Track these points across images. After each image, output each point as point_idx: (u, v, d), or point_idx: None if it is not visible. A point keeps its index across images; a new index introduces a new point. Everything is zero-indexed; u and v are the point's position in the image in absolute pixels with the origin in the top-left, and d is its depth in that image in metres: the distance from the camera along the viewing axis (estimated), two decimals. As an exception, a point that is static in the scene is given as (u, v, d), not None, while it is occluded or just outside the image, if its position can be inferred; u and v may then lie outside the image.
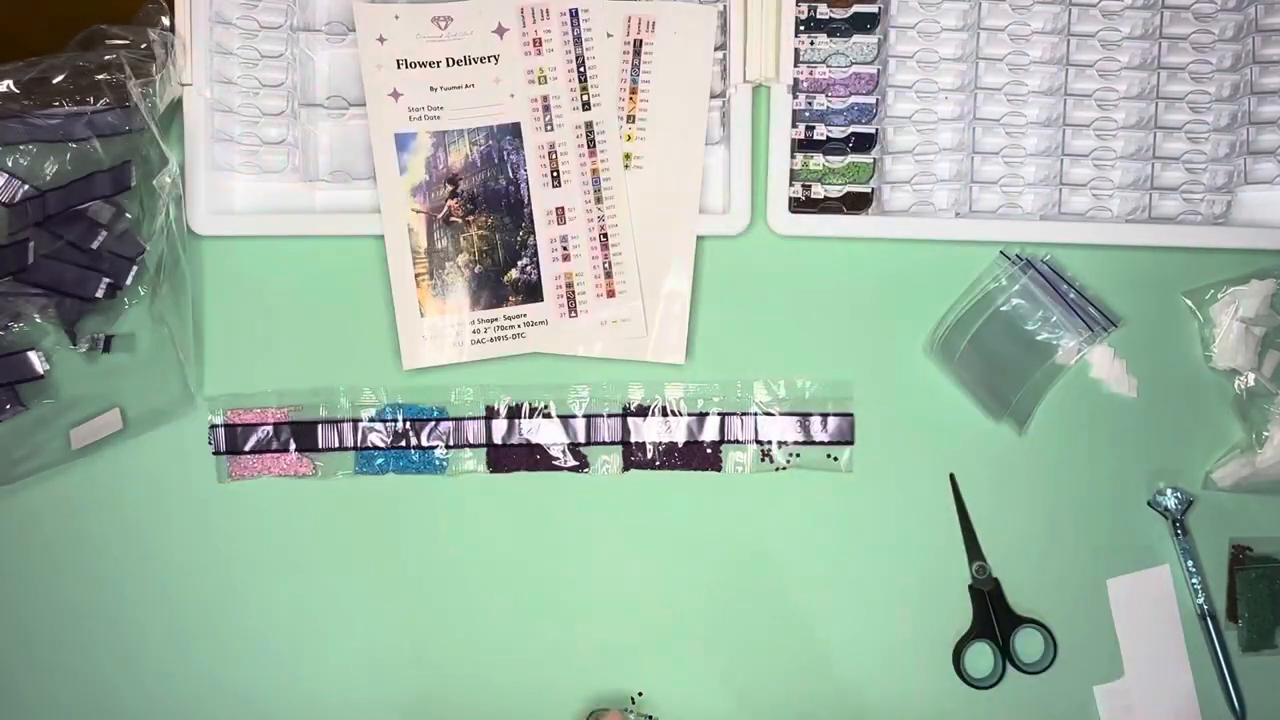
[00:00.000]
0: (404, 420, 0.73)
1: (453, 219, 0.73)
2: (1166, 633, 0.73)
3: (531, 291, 0.73)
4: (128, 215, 0.72)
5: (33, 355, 0.71)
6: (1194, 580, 0.73)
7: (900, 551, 0.74)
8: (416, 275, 0.73)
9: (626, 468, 0.73)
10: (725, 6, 0.74)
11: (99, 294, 0.70)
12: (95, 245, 0.70)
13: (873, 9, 0.74)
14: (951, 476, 0.74)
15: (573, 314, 0.73)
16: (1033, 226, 0.74)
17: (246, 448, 0.73)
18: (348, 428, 0.73)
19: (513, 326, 0.73)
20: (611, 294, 0.73)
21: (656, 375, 0.74)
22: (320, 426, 0.73)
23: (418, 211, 0.73)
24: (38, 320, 0.72)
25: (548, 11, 0.73)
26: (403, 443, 0.73)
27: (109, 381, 0.73)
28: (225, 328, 0.75)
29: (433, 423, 0.73)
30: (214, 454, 0.73)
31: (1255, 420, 0.73)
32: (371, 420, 0.73)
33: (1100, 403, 0.75)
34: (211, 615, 0.74)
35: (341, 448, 0.73)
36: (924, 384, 0.75)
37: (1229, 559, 0.74)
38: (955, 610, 0.73)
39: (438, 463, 0.73)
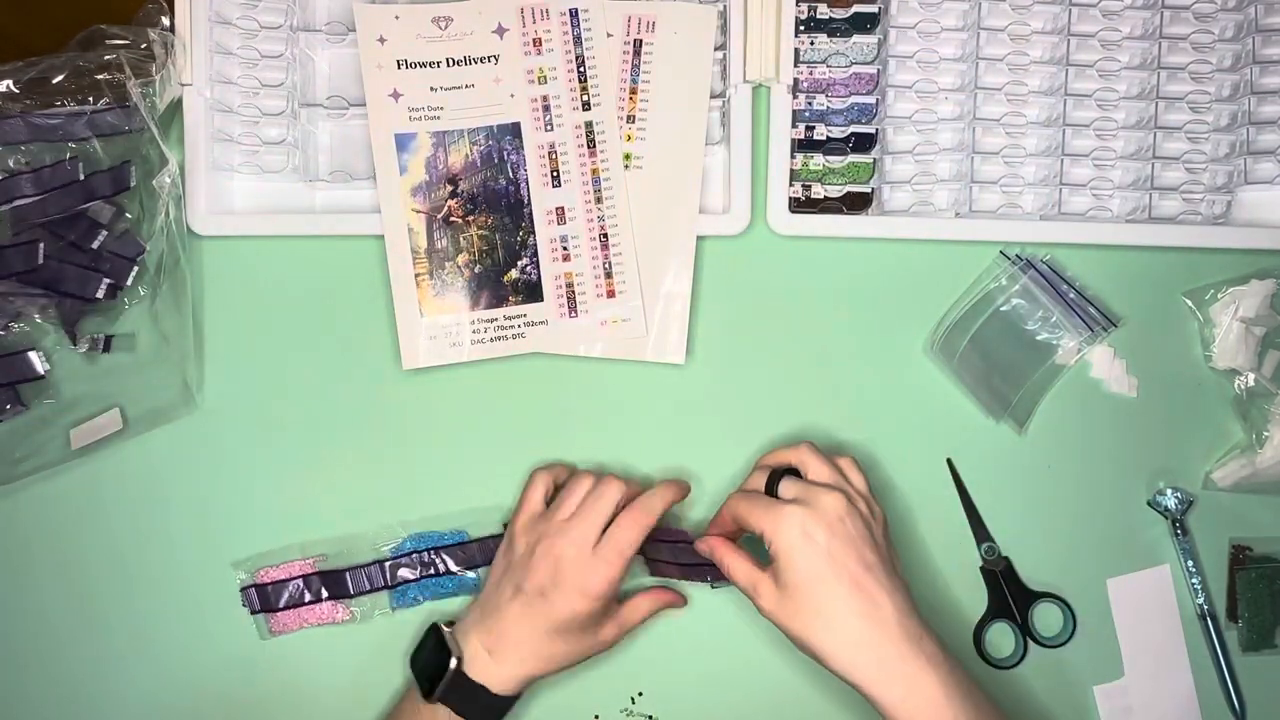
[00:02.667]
0: (429, 551, 0.72)
1: (453, 219, 0.73)
2: (1166, 633, 0.73)
3: (531, 291, 0.73)
4: (128, 215, 0.72)
5: (33, 355, 0.71)
6: (1194, 580, 0.73)
7: (906, 547, 0.74)
8: (416, 275, 0.73)
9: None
10: (725, 6, 0.74)
11: (99, 294, 0.70)
12: (95, 245, 0.70)
13: (873, 9, 0.74)
14: (949, 461, 0.74)
15: (573, 314, 0.73)
16: (1033, 226, 0.74)
17: (281, 604, 0.72)
18: (375, 569, 0.72)
19: (513, 326, 0.73)
20: (611, 294, 0.73)
21: (657, 375, 0.74)
22: (348, 573, 0.72)
23: (418, 211, 0.73)
24: (38, 320, 0.72)
25: (548, 11, 0.73)
26: (431, 571, 0.73)
27: (109, 381, 0.73)
28: (225, 328, 0.75)
29: (458, 547, 0.73)
30: (252, 614, 0.72)
31: (1255, 420, 0.73)
32: (397, 557, 0.72)
33: (1100, 403, 0.75)
34: (212, 615, 0.74)
35: (373, 589, 0.72)
36: (924, 384, 0.75)
37: (1229, 559, 0.74)
38: (971, 597, 0.73)
39: (472, 582, 0.73)
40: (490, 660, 0.65)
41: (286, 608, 0.72)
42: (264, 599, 0.72)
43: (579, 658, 0.67)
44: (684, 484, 0.70)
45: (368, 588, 0.72)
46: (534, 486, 0.69)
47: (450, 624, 0.67)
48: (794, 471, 0.65)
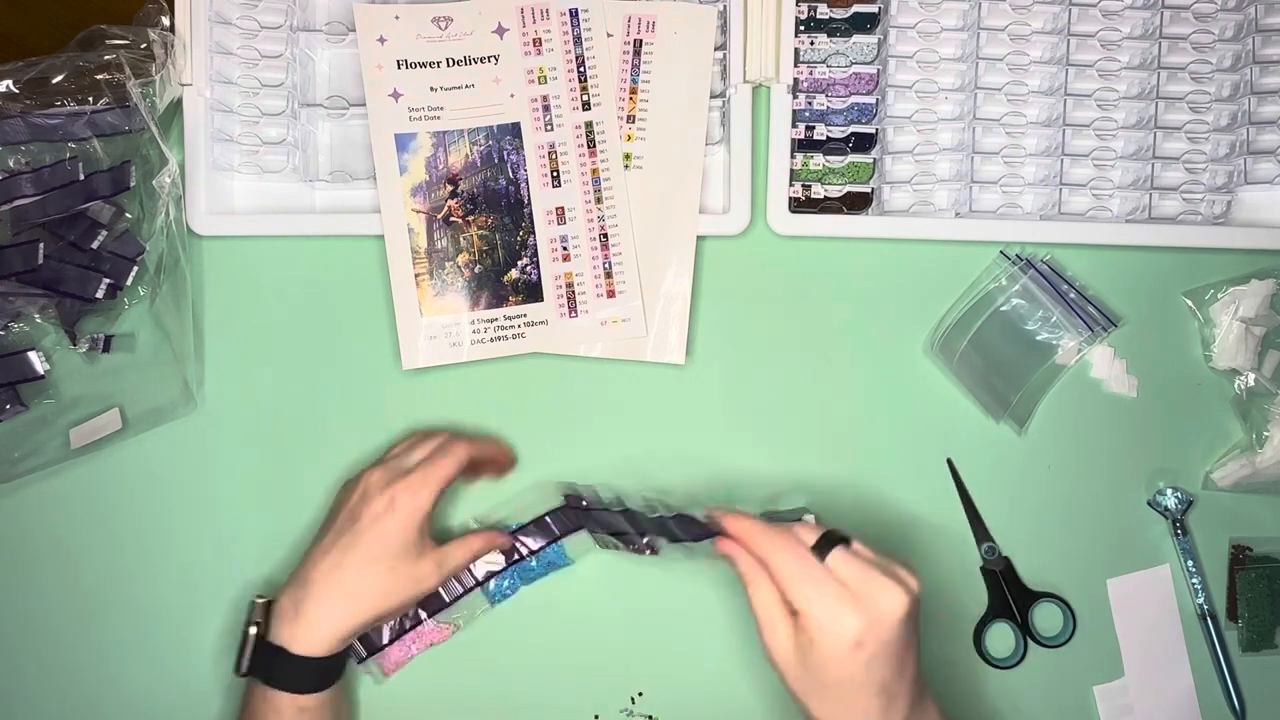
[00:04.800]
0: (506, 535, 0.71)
1: (453, 219, 0.73)
2: (1166, 633, 0.73)
3: (531, 291, 0.73)
4: (128, 215, 0.72)
5: (33, 355, 0.71)
6: (1194, 580, 0.73)
7: (907, 547, 0.74)
8: (416, 275, 0.73)
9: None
10: (725, 6, 0.74)
11: (99, 294, 0.70)
12: (95, 245, 0.70)
13: (873, 9, 0.74)
14: (949, 461, 0.74)
15: (573, 314, 0.73)
16: (1033, 226, 0.74)
17: (385, 640, 0.70)
18: (462, 574, 0.70)
19: (513, 326, 0.73)
20: (611, 294, 0.73)
21: (657, 375, 0.74)
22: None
23: (418, 211, 0.73)
24: (38, 320, 0.72)
25: (548, 11, 0.73)
26: (516, 556, 0.71)
27: (109, 381, 0.73)
28: (225, 328, 0.75)
29: (531, 524, 0.71)
30: (359, 662, 0.70)
31: (1255, 420, 0.73)
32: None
33: (1100, 403, 0.75)
34: (212, 615, 0.74)
35: (466, 591, 0.71)
36: (924, 384, 0.75)
37: (1229, 559, 0.74)
38: (972, 597, 0.73)
39: (558, 555, 0.72)
40: (296, 618, 0.61)
41: (391, 641, 0.69)
42: (367, 641, 0.69)
43: (394, 599, 0.62)
44: (508, 450, 0.71)
45: (460, 592, 0.71)
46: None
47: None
48: (846, 539, 0.58)
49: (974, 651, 0.73)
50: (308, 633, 0.61)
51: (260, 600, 0.65)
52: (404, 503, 0.62)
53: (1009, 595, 0.73)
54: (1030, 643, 0.73)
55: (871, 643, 0.55)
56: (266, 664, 0.62)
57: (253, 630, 0.62)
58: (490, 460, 0.71)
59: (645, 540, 0.66)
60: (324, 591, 0.61)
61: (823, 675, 0.56)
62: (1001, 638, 0.73)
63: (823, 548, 0.57)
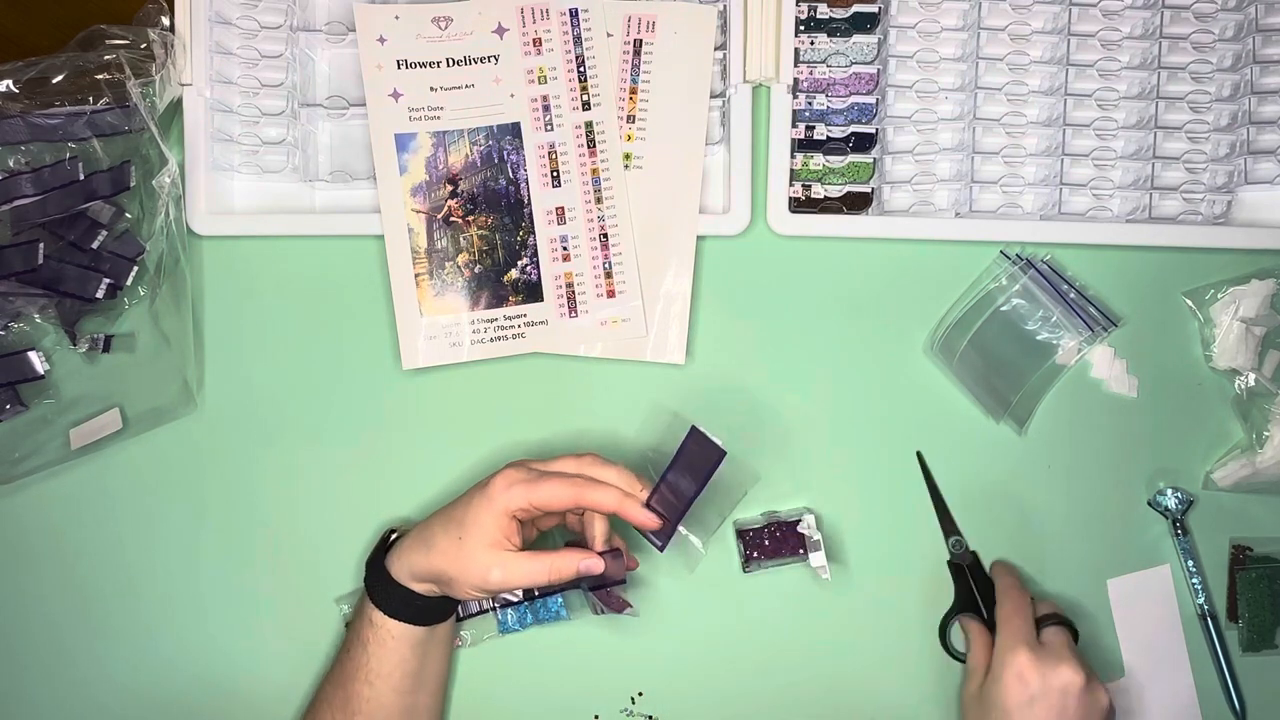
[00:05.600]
0: None
1: (453, 219, 0.73)
2: (1166, 633, 0.73)
3: (531, 291, 0.73)
4: (128, 215, 0.72)
5: (33, 355, 0.71)
6: (1194, 580, 0.73)
7: (901, 545, 0.74)
8: (416, 275, 0.73)
9: None
10: (725, 6, 0.74)
11: (99, 294, 0.70)
12: (95, 245, 0.70)
13: (873, 9, 0.74)
14: (919, 454, 0.74)
15: (573, 314, 0.73)
16: (1033, 226, 0.74)
17: None
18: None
19: (513, 326, 0.73)
20: (611, 294, 0.73)
21: (657, 375, 0.74)
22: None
23: (418, 211, 0.73)
24: (38, 320, 0.72)
25: (548, 11, 0.73)
26: (535, 593, 0.72)
27: (109, 381, 0.73)
28: (225, 328, 0.75)
29: None
30: None
31: (1255, 420, 0.73)
32: None
33: (1100, 403, 0.75)
34: (212, 614, 0.74)
35: (481, 610, 0.72)
36: (924, 384, 0.75)
37: (1229, 559, 0.74)
38: (941, 591, 0.73)
39: (565, 610, 0.73)
40: (399, 544, 0.67)
41: None
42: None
43: (449, 566, 0.63)
44: (643, 517, 0.65)
45: (476, 610, 0.72)
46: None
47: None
48: (1067, 622, 0.69)
49: (939, 645, 0.73)
50: (396, 558, 0.66)
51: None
52: (498, 490, 0.63)
53: (975, 589, 0.72)
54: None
55: (1034, 683, 0.65)
56: (375, 575, 0.67)
57: (393, 536, 0.69)
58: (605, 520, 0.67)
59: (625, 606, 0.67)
60: (418, 529, 0.66)
61: (988, 704, 0.66)
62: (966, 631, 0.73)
63: (1045, 621, 0.69)
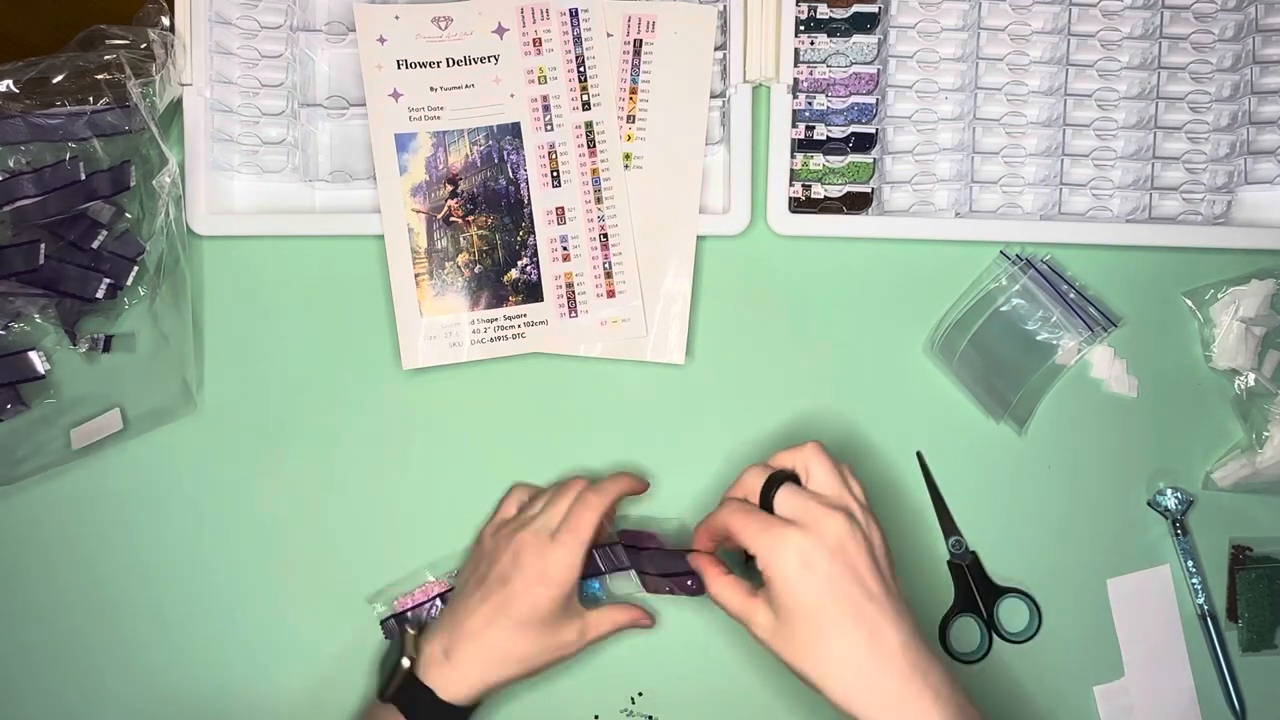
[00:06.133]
0: None
1: (453, 219, 0.73)
2: (1166, 633, 0.73)
3: (531, 291, 0.73)
4: (128, 215, 0.72)
5: (33, 355, 0.71)
6: (1194, 580, 0.73)
7: (901, 545, 0.74)
8: (416, 275, 0.73)
9: None
10: (725, 6, 0.74)
11: (99, 294, 0.70)
12: (95, 245, 0.70)
13: (873, 9, 0.74)
14: (919, 454, 0.74)
15: (573, 314, 0.73)
16: (1033, 226, 0.74)
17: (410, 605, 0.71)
18: None
19: (513, 326, 0.73)
20: (611, 294, 0.73)
21: (657, 375, 0.74)
22: None
23: (418, 211, 0.73)
24: (38, 320, 0.72)
25: (548, 11, 0.73)
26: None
27: (109, 381, 0.73)
28: (225, 328, 0.75)
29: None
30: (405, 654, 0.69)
31: (1255, 420, 0.73)
32: None
33: (1100, 403, 0.75)
34: (210, 614, 0.74)
35: None
36: (924, 384, 0.75)
37: (1229, 559, 0.74)
38: (948, 592, 0.73)
39: (594, 590, 0.71)
40: (445, 663, 0.63)
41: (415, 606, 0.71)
42: (404, 629, 0.69)
43: (539, 661, 0.64)
44: (639, 477, 0.70)
45: None
46: (510, 498, 0.71)
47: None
48: (793, 477, 0.61)
49: (940, 644, 0.73)
50: (456, 682, 0.63)
51: (412, 634, 0.65)
52: (555, 571, 0.63)
53: (975, 590, 0.72)
54: (995, 638, 0.72)
55: (820, 560, 0.56)
56: (411, 698, 0.63)
57: (406, 663, 0.63)
58: (626, 495, 0.69)
59: (692, 583, 0.66)
60: (475, 648, 0.63)
61: (796, 621, 0.56)
62: (967, 632, 0.73)
63: (768, 490, 0.60)
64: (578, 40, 0.73)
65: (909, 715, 0.55)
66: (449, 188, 0.73)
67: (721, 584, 0.62)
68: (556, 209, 0.73)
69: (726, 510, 0.61)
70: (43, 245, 0.69)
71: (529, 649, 0.64)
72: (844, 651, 0.56)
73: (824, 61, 0.74)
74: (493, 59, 0.74)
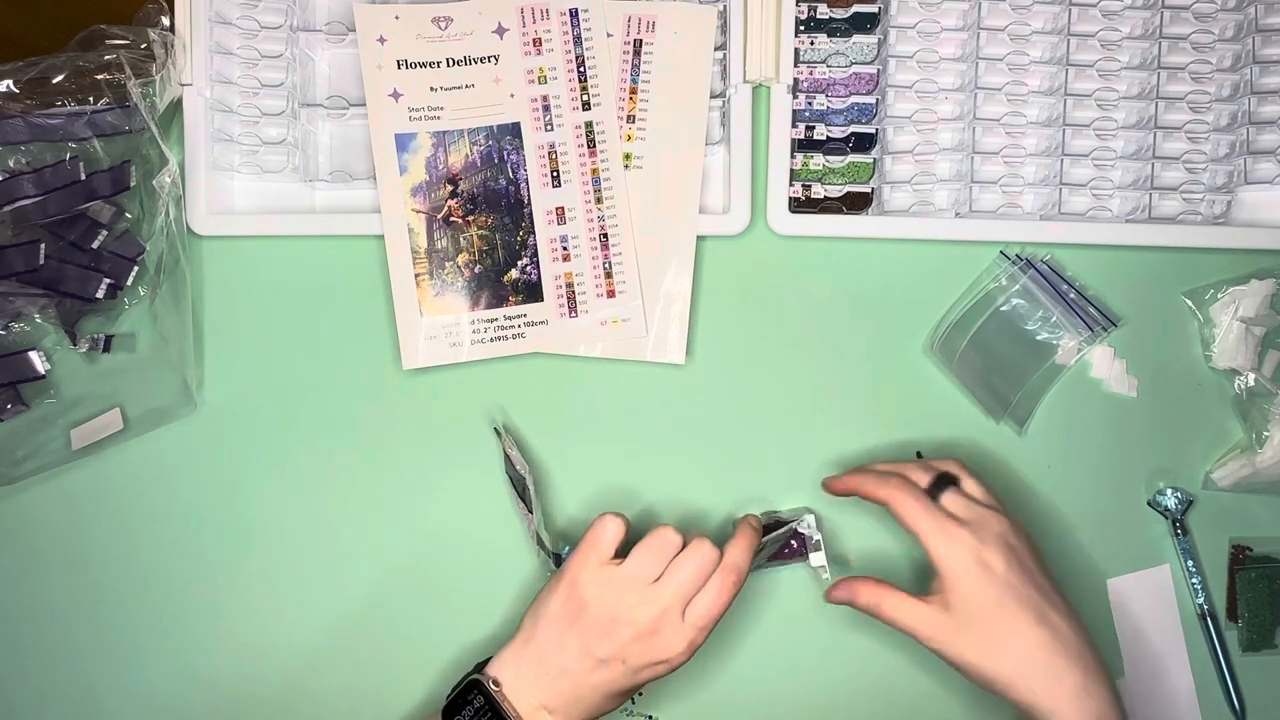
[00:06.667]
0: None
1: (453, 219, 0.73)
2: (1166, 633, 0.73)
3: (531, 291, 0.73)
4: (128, 215, 0.72)
5: (33, 355, 0.71)
6: (1194, 580, 0.73)
7: (901, 545, 0.74)
8: (416, 275, 0.73)
9: None
10: (725, 6, 0.74)
11: (99, 294, 0.70)
12: (95, 245, 0.70)
13: (873, 9, 0.74)
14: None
15: (573, 314, 0.73)
16: (1033, 226, 0.74)
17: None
18: None
19: (513, 326, 0.73)
20: (611, 294, 0.73)
21: (657, 375, 0.74)
22: None
23: (418, 211, 0.73)
24: (38, 320, 0.72)
25: (548, 11, 0.73)
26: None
27: (109, 381, 0.73)
28: (225, 328, 0.75)
29: None
30: None
31: (1255, 420, 0.73)
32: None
33: (1100, 403, 0.75)
34: (211, 613, 0.74)
35: None
36: (924, 384, 0.75)
37: (1229, 559, 0.74)
38: None
39: None
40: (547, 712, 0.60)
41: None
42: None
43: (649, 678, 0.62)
44: (755, 523, 0.65)
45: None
46: (603, 528, 0.62)
47: (483, 665, 0.62)
48: (955, 481, 0.63)
49: None
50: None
51: (497, 690, 0.61)
52: (680, 658, 0.61)
53: None
54: None
55: (996, 561, 0.59)
56: None
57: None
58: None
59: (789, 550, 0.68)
60: (583, 703, 0.61)
61: (976, 621, 0.58)
62: None
63: (935, 490, 0.62)
64: (578, 40, 0.73)
65: (1094, 709, 0.58)
66: (449, 188, 0.73)
67: (894, 601, 0.61)
68: (556, 209, 0.73)
69: (897, 488, 0.62)
70: (43, 245, 0.69)
71: (621, 702, 0.63)
72: (1029, 649, 0.58)
73: (824, 61, 0.74)
74: (493, 59, 0.74)
